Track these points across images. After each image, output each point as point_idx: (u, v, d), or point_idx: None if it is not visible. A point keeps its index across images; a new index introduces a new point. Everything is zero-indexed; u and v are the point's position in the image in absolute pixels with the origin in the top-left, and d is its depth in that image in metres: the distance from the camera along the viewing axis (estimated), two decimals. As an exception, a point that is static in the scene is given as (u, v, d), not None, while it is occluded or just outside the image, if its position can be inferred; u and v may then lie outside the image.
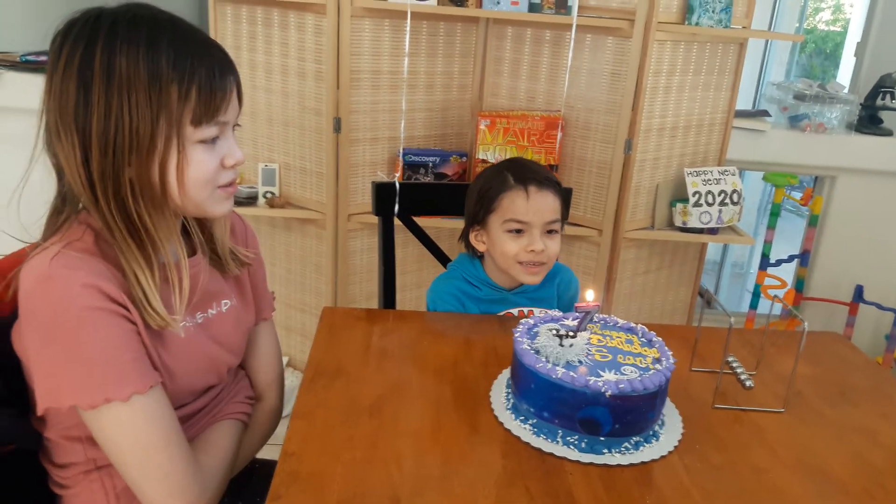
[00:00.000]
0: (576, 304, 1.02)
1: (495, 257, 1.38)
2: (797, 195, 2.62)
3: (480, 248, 1.41)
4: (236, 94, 0.92)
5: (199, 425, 1.04)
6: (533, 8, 2.14)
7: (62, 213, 0.91)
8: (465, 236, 1.43)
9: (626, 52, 2.12)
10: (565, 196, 1.42)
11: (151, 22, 0.85)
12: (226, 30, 2.25)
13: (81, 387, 0.83)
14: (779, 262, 2.63)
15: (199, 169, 0.89)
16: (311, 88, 2.14)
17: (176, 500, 0.88)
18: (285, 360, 2.52)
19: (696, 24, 2.15)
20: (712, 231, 2.38)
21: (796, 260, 2.70)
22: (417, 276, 2.35)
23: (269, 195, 2.28)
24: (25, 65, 2.37)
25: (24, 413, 0.92)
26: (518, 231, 1.34)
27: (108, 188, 0.85)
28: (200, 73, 0.86)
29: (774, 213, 2.57)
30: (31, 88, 2.36)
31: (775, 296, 1.15)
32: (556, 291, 1.46)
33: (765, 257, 2.60)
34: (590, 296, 1.02)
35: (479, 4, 2.14)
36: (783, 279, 2.57)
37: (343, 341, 1.20)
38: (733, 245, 3.60)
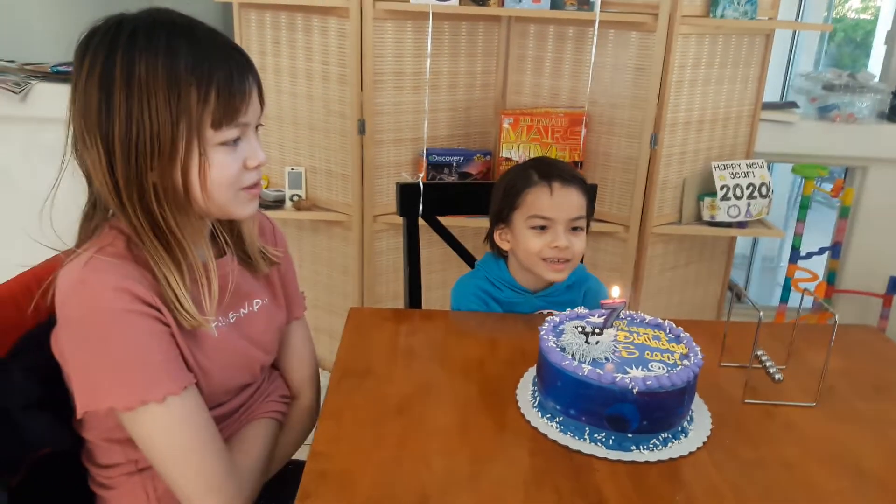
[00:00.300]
0: (602, 301, 1.02)
1: (519, 255, 1.38)
2: (827, 187, 2.58)
3: (505, 246, 1.40)
4: (257, 95, 0.93)
5: (236, 425, 1.06)
6: (555, 5, 2.13)
7: (93, 219, 0.92)
8: (489, 236, 1.43)
9: (650, 46, 2.11)
10: (591, 194, 1.40)
11: (170, 27, 0.86)
12: (251, 35, 2.27)
13: (118, 389, 0.85)
14: (809, 255, 2.59)
15: (221, 171, 0.90)
16: (336, 91, 2.15)
17: (212, 499, 0.90)
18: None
19: (721, 16, 2.12)
20: (741, 225, 2.35)
21: (827, 252, 2.65)
22: (443, 276, 2.36)
23: (295, 198, 2.31)
24: (56, 75, 2.42)
25: (61, 418, 0.94)
26: (542, 228, 1.34)
27: (133, 193, 0.86)
28: (219, 75, 0.86)
29: (804, 206, 2.53)
30: (62, 99, 2.39)
31: (805, 289, 1.13)
32: (581, 299, 1.44)
33: (795, 250, 2.56)
34: (615, 292, 1.02)
35: (501, 3, 2.14)
36: (814, 272, 2.53)
37: (370, 341, 1.21)
38: (763, 238, 3.55)
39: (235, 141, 0.91)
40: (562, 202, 1.33)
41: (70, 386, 0.90)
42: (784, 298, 2.67)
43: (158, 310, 0.87)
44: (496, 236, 1.42)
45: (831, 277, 2.67)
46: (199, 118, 0.86)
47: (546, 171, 1.36)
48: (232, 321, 1.02)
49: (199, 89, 0.85)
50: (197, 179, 0.88)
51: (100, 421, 0.94)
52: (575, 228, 1.35)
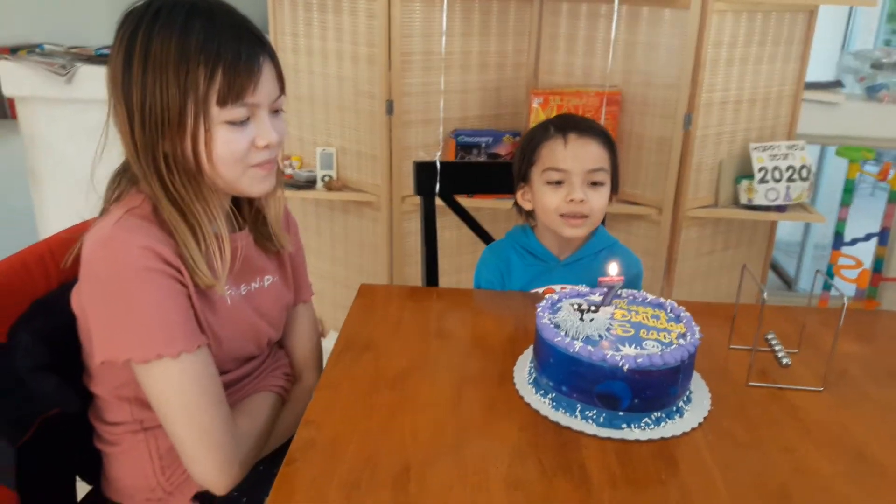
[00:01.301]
0: (600, 279, 1.01)
1: (539, 215, 1.35)
2: (874, 170, 2.48)
3: (527, 206, 1.37)
4: (272, 77, 0.95)
5: (240, 393, 1.09)
6: (586, -18, 2.09)
7: (120, 182, 0.98)
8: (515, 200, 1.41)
9: (684, 24, 2.06)
10: (613, 148, 1.34)
11: (190, 7, 0.90)
12: (284, 18, 2.30)
13: (137, 342, 0.89)
14: (854, 242, 2.50)
15: (226, 148, 0.93)
16: (365, 72, 2.16)
17: (212, 455, 0.93)
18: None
19: (760, -9, 2.05)
20: (780, 209, 2.28)
21: (875, 239, 2.56)
22: (458, 261, 2.36)
23: (327, 178, 2.34)
24: (100, 58, 2.50)
25: (69, 380, 0.98)
26: (559, 183, 1.30)
27: (149, 159, 0.92)
28: (227, 54, 0.90)
29: (848, 190, 2.44)
30: (105, 81, 2.49)
31: (818, 270, 1.09)
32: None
33: (839, 236, 2.47)
34: (613, 270, 1.00)
35: (531, -19, 2.12)
36: (858, 259, 2.44)
37: (375, 316, 1.22)
38: (816, 225, 3.44)
39: (244, 121, 0.94)
40: (578, 153, 1.29)
41: (84, 342, 0.96)
42: (827, 286, 2.59)
43: (179, 271, 0.91)
44: (518, 196, 1.39)
45: (878, 265, 2.57)
46: (206, 95, 0.90)
47: (563, 123, 1.32)
48: (243, 293, 1.06)
49: (206, 67, 0.89)
50: (204, 154, 0.93)
51: (114, 375, 0.97)
52: (595, 184, 1.30)
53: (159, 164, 0.92)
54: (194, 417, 0.92)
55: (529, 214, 1.40)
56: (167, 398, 0.91)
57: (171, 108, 0.89)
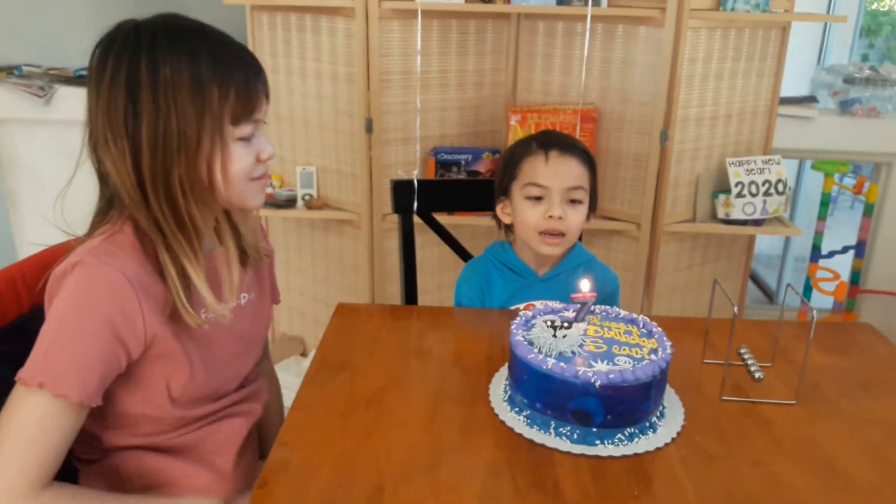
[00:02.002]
0: (572, 295, 1.01)
1: (517, 229, 1.36)
2: (850, 183, 2.51)
3: (506, 220, 1.38)
4: (265, 93, 0.99)
5: (213, 426, 1.06)
6: (562, 1, 2.12)
7: (106, 214, 0.96)
8: (494, 213, 1.42)
9: (659, 41, 2.08)
10: (593, 167, 1.36)
11: (188, 31, 0.92)
12: (263, 38, 2.31)
13: (38, 364, 0.86)
14: (831, 254, 2.53)
15: (239, 164, 0.95)
16: (344, 91, 2.17)
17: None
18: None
19: (732, 9, 2.09)
20: (757, 223, 2.31)
21: (852, 251, 2.58)
22: (439, 279, 2.37)
23: (307, 197, 2.34)
24: (79, 79, 2.49)
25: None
26: (538, 199, 1.31)
27: (159, 187, 0.91)
28: (237, 75, 0.93)
29: (824, 203, 2.47)
30: (84, 102, 2.48)
31: (788, 284, 1.11)
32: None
33: (816, 249, 2.50)
34: (585, 286, 1.01)
35: (507, 0, 2.14)
36: (835, 271, 2.47)
37: (353, 336, 1.22)
38: (796, 238, 3.47)
39: (250, 137, 0.96)
40: (558, 170, 1.30)
41: None
42: (808, 298, 2.61)
43: (142, 302, 0.89)
44: (498, 210, 1.40)
45: (855, 277, 2.60)
46: (220, 115, 0.92)
47: (545, 139, 1.34)
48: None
49: (220, 88, 0.91)
50: (219, 172, 0.94)
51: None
52: (573, 201, 1.32)
53: (174, 189, 0.91)
54: (13, 451, 0.85)
55: (508, 228, 1.41)
56: (14, 421, 0.85)
57: (188, 130, 0.90)
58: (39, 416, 0.85)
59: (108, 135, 0.90)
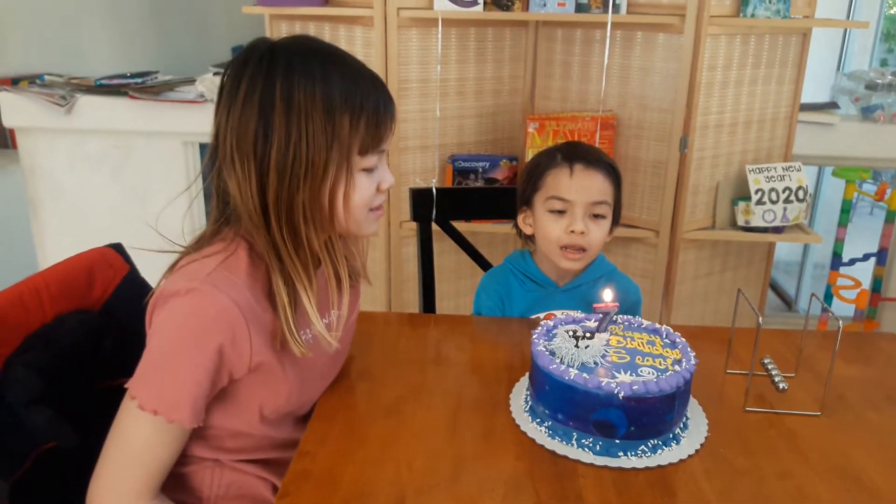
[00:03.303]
0: (594, 305, 1.01)
1: (539, 241, 1.34)
2: (871, 190, 2.49)
3: (527, 231, 1.37)
4: (393, 123, 0.97)
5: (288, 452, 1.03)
6: (580, 8, 2.12)
7: (219, 232, 0.96)
8: (515, 222, 1.40)
9: (678, 48, 2.07)
10: (619, 182, 1.34)
11: (323, 55, 0.91)
12: (281, 46, 2.32)
13: (153, 390, 0.88)
14: (853, 262, 2.50)
15: (361, 194, 0.95)
16: (362, 99, 2.18)
17: (100, 499, 0.90)
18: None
19: (752, 15, 2.07)
20: (777, 230, 2.28)
21: (873, 259, 2.55)
22: (455, 286, 2.36)
23: (325, 205, 2.34)
24: (99, 88, 2.52)
25: (64, 414, 0.98)
26: (561, 212, 1.29)
27: (282, 212, 0.90)
28: (368, 105, 0.91)
29: (845, 210, 2.44)
30: (104, 111, 2.51)
31: (813, 294, 1.09)
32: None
33: (837, 256, 2.47)
34: (607, 296, 1.00)
35: (526, 8, 2.14)
36: (856, 279, 2.44)
37: (372, 344, 1.22)
38: (815, 245, 3.44)
39: (374, 167, 0.96)
40: (582, 184, 1.28)
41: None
42: (829, 307, 2.58)
43: (250, 337, 0.89)
44: (519, 220, 1.38)
45: (877, 285, 2.57)
46: (349, 144, 0.91)
47: (570, 152, 1.32)
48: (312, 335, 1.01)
49: (351, 118, 0.90)
50: (341, 201, 0.93)
51: None
52: (596, 216, 1.30)
53: (296, 214, 0.91)
54: (128, 463, 0.90)
55: (529, 238, 1.40)
56: (128, 437, 0.90)
57: (317, 158, 0.89)
58: (151, 437, 0.89)
59: (234, 155, 0.89)
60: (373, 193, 0.96)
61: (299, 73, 0.88)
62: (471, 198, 1.71)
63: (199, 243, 0.96)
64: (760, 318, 1.00)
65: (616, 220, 1.35)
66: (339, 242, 1.02)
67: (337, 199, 0.93)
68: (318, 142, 0.88)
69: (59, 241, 2.65)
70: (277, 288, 0.92)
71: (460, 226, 1.61)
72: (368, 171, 0.95)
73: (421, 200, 1.54)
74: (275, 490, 1.03)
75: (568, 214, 1.29)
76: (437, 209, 1.55)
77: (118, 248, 1.15)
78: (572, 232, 1.28)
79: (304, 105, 0.87)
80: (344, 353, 1.12)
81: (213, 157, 0.93)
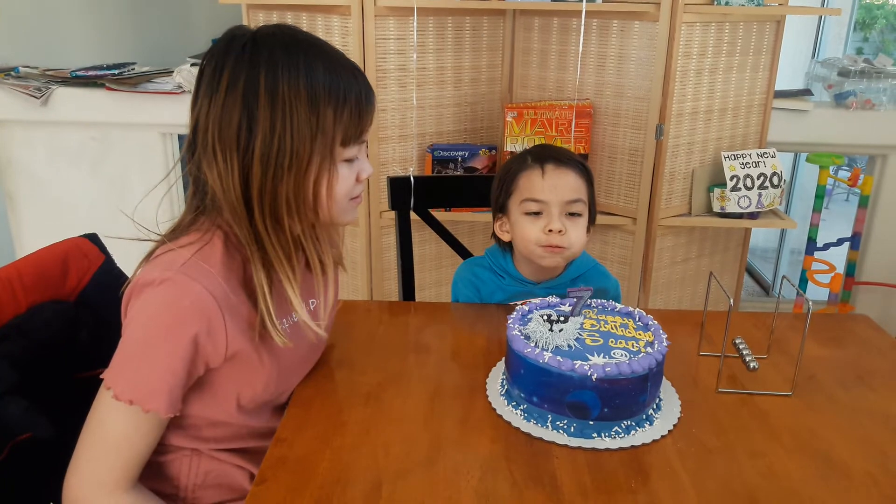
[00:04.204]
0: (568, 290, 1.02)
1: (517, 245, 1.34)
2: (845, 176, 2.52)
3: (505, 238, 1.36)
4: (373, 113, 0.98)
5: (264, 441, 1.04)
6: (556, -3, 2.12)
7: (195, 222, 0.95)
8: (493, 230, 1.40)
9: (654, 36, 2.09)
10: (591, 179, 1.34)
11: (306, 46, 0.91)
12: (258, 36, 2.31)
13: (129, 379, 0.87)
14: (826, 246, 2.53)
15: (343, 185, 0.96)
16: (340, 89, 2.17)
17: (77, 489, 0.90)
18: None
19: (727, 3, 2.09)
20: (752, 216, 2.31)
21: (847, 243, 2.59)
22: (437, 274, 2.37)
23: (304, 195, 2.33)
24: (76, 80, 2.49)
25: (39, 404, 0.97)
26: (537, 213, 1.29)
27: (266, 203, 0.91)
28: (351, 96, 0.92)
29: (820, 196, 2.47)
30: (80, 103, 2.49)
31: (784, 276, 1.11)
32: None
33: (811, 241, 2.51)
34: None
35: (503, -4, 2.14)
36: (831, 263, 2.48)
37: (352, 332, 1.22)
38: (792, 231, 3.47)
39: (355, 157, 0.97)
40: (555, 184, 1.28)
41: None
42: (803, 290, 2.62)
43: (225, 327, 0.89)
44: (496, 227, 1.38)
45: (851, 269, 2.61)
46: (333, 136, 0.92)
47: (540, 153, 1.32)
48: (294, 321, 1.01)
49: (335, 109, 0.91)
50: (325, 191, 0.94)
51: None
52: (572, 214, 1.29)
53: (279, 205, 0.91)
54: (100, 455, 0.89)
55: (508, 246, 1.39)
56: (104, 427, 0.89)
57: (301, 149, 0.89)
58: (128, 427, 0.89)
59: (216, 146, 0.89)
60: (353, 183, 0.98)
61: (283, 64, 0.88)
62: (448, 186, 1.71)
63: (175, 233, 0.95)
64: (731, 300, 1.02)
65: (592, 220, 1.34)
66: (321, 230, 1.03)
67: (321, 189, 0.93)
68: (302, 133, 0.89)
69: (37, 234, 2.62)
70: (258, 278, 0.92)
71: (441, 215, 1.61)
72: (349, 161, 0.96)
73: (399, 189, 1.55)
74: (252, 479, 1.03)
75: (544, 215, 1.28)
76: (415, 197, 1.56)
77: (93, 238, 1.15)
78: (550, 231, 1.27)
79: (288, 97, 0.88)
80: (322, 341, 1.12)
81: (192, 146, 0.93)
